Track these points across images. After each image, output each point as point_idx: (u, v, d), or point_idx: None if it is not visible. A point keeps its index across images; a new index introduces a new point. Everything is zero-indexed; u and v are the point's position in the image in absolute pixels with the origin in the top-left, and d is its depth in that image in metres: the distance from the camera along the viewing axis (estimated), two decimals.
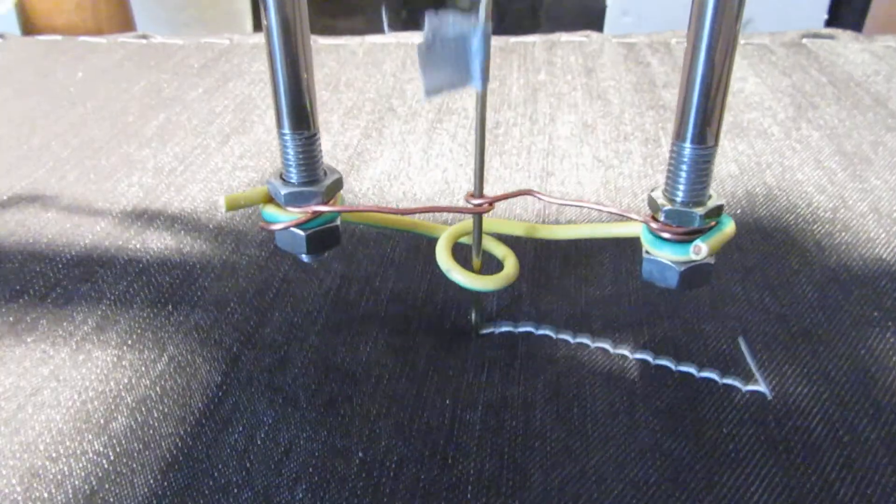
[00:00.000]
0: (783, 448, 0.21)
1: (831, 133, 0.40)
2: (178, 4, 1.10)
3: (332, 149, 0.40)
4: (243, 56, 0.54)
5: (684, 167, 0.22)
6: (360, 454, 0.21)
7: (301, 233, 0.25)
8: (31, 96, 0.48)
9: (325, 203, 0.25)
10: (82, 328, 0.27)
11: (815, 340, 0.25)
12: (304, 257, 0.26)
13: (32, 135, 0.42)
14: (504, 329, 0.27)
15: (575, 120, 0.43)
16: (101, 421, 0.23)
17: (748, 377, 0.24)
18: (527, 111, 0.44)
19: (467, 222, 0.28)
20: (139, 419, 0.23)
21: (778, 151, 0.39)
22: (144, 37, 0.59)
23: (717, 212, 0.23)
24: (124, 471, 0.21)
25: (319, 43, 0.56)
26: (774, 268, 0.29)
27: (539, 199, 0.25)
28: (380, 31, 0.58)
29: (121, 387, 0.24)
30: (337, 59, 0.53)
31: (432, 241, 0.28)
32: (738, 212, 0.33)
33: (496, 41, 0.56)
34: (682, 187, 0.22)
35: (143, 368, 0.25)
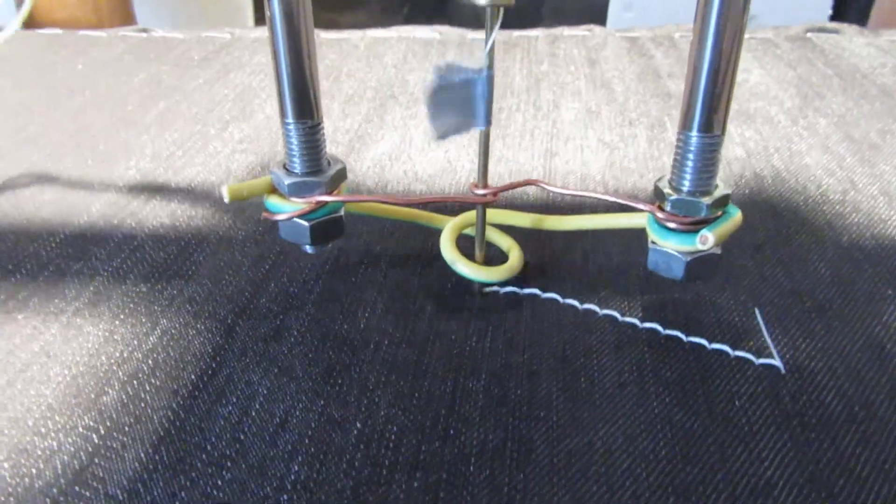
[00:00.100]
0: (798, 423, 0.21)
1: (839, 121, 0.40)
2: None
3: (333, 133, 0.39)
4: (244, 49, 0.54)
5: (691, 156, 0.22)
6: (359, 425, 0.21)
7: (305, 223, 0.24)
8: (30, 88, 0.48)
9: (329, 193, 0.24)
10: (74, 304, 0.26)
11: (830, 316, 0.25)
12: (308, 248, 0.26)
13: (30, 123, 0.42)
14: (509, 289, 0.26)
15: (579, 106, 0.42)
16: (92, 395, 0.22)
17: (761, 350, 0.23)
18: (530, 98, 0.43)
19: (471, 213, 0.27)
20: (131, 393, 0.22)
21: (785, 137, 0.38)
22: (145, 31, 0.59)
23: (724, 201, 0.22)
24: (115, 445, 0.20)
25: (321, 37, 0.56)
26: (786, 245, 0.28)
27: (544, 188, 0.25)
28: (381, 25, 0.58)
29: (112, 361, 0.23)
30: (338, 51, 0.53)
31: (436, 231, 0.28)
32: (747, 192, 0.32)
33: (498, 35, 0.55)
34: (688, 176, 0.22)
35: (136, 342, 0.24)
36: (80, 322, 0.25)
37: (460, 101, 0.21)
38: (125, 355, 0.23)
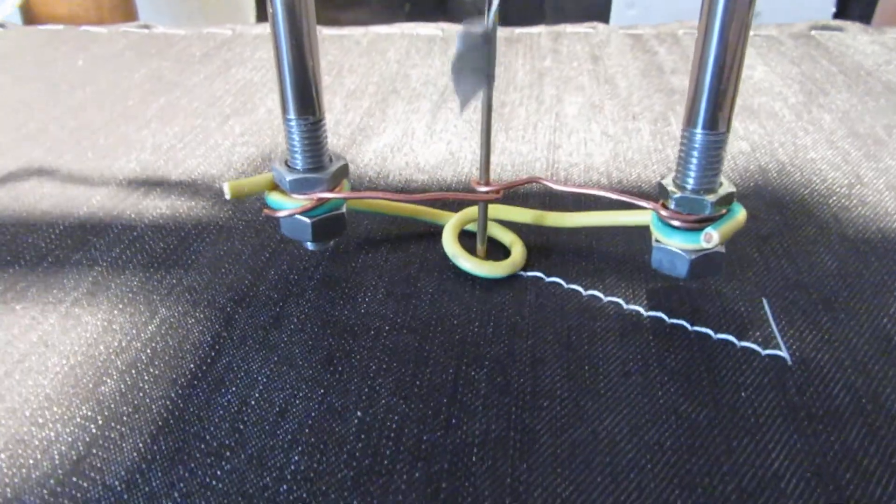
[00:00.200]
0: (805, 415, 0.20)
1: (843, 117, 0.40)
2: None
3: (335, 126, 0.39)
4: (246, 45, 0.54)
5: (695, 153, 0.22)
6: (359, 414, 0.20)
7: (306, 220, 0.24)
8: (30, 83, 0.47)
9: (331, 190, 0.24)
10: (72, 294, 0.26)
11: (836, 308, 0.24)
12: (310, 245, 0.25)
13: (30, 119, 0.42)
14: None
15: (582, 101, 0.42)
16: (90, 385, 0.22)
17: (767, 341, 0.23)
18: (533, 93, 0.43)
19: (473, 209, 0.27)
20: (129, 382, 0.22)
21: (790, 132, 0.38)
22: (146, 27, 0.59)
23: (729, 199, 0.22)
24: (113, 435, 0.20)
25: (323, 33, 0.56)
26: (791, 237, 0.28)
27: (547, 185, 0.25)
28: (383, 22, 0.58)
29: (110, 350, 0.23)
30: (341, 47, 0.53)
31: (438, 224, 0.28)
32: (752, 185, 0.32)
33: (501, 32, 0.55)
34: (692, 174, 0.22)
35: (134, 331, 0.24)
36: (78, 312, 0.25)
37: (475, 61, 0.21)
38: (123, 345, 0.23)
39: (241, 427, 0.20)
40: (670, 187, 0.22)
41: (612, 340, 0.23)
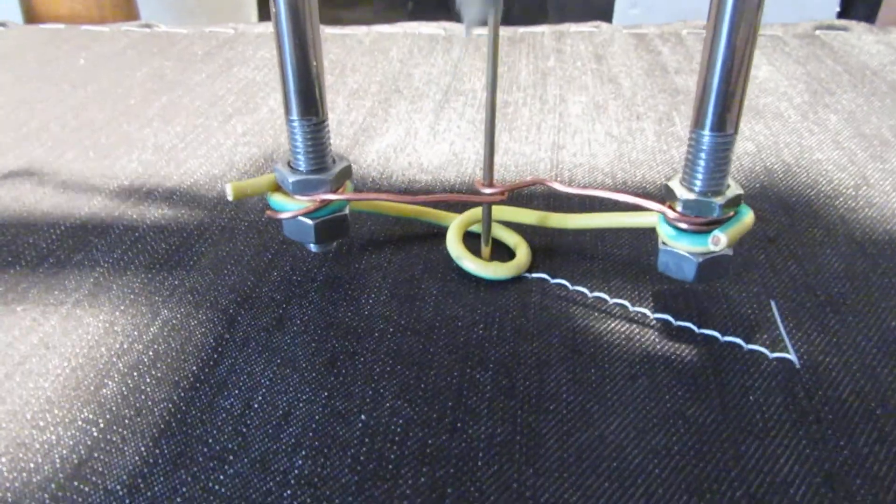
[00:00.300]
0: (813, 419, 0.20)
1: (849, 117, 0.39)
2: None
3: (338, 126, 0.39)
4: (248, 44, 0.54)
5: (703, 155, 0.21)
6: (363, 417, 0.20)
7: (309, 222, 0.24)
8: (32, 82, 0.47)
9: (334, 191, 0.24)
10: (74, 295, 0.25)
11: (844, 310, 0.24)
12: (313, 247, 0.25)
13: (31, 118, 0.41)
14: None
15: (586, 101, 0.42)
16: (92, 388, 0.22)
17: (775, 344, 0.22)
18: (536, 93, 0.43)
19: (477, 210, 0.27)
20: (131, 385, 0.22)
21: (795, 132, 0.37)
22: (148, 26, 0.58)
23: (737, 201, 0.22)
24: (115, 439, 0.20)
25: (326, 32, 0.56)
26: (798, 238, 0.28)
27: (552, 187, 0.24)
28: (385, 22, 0.58)
29: (112, 352, 0.23)
30: (343, 47, 0.52)
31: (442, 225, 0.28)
32: (758, 185, 0.32)
33: (504, 31, 0.55)
34: (700, 176, 0.22)
35: (136, 333, 0.24)
36: (79, 313, 0.25)
37: None
38: (125, 347, 0.23)
39: (245, 430, 0.20)
40: (678, 189, 0.22)
41: (618, 343, 0.23)
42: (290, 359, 0.22)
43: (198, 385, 0.21)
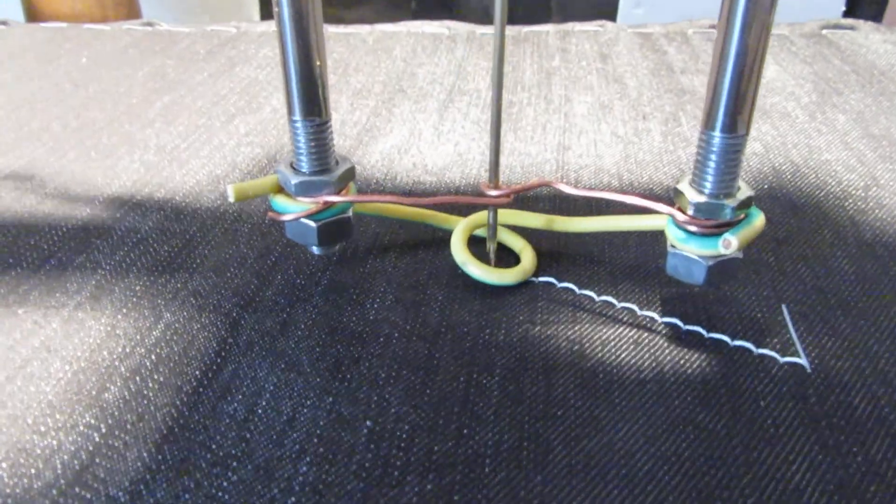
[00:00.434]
0: (826, 425, 0.20)
1: (858, 117, 0.39)
2: None
3: (341, 126, 0.39)
4: (250, 43, 0.53)
5: (714, 157, 0.21)
6: (369, 423, 0.20)
7: (312, 224, 0.24)
8: (33, 81, 0.47)
9: (338, 193, 0.24)
10: (75, 298, 0.25)
11: (855, 314, 0.24)
12: (315, 249, 0.25)
13: (32, 117, 0.41)
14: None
15: (591, 101, 0.41)
16: (93, 392, 0.21)
17: (785, 348, 0.22)
18: (541, 92, 0.42)
19: (482, 214, 0.27)
20: (133, 389, 0.21)
21: (803, 133, 0.37)
22: (150, 24, 0.58)
23: (748, 203, 0.22)
24: (117, 444, 0.20)
25: (328, 31, 0.55)
26: (807, 240, 0.28)
27: (558, 189, 0.24)
28: (388, 21, 0.57)
29: (114, 356, 0.23)
30: (346, 46, 0.52)
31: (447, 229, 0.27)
32: (766, 186, 0.32)
33: (508, 30, 0.54)
34: (711, 178, 0.21)
35: (138, 337, 0.23)
36: (81, 316, 0.24)
37: None
38: (128, 350, 0.23)
39: (248, 436, 0.20)
40: (688, 192, 0.22)
41: (626, 348, 0.22)
42: (294, 363, 0.22)
43: (201, 390, 0.21)
